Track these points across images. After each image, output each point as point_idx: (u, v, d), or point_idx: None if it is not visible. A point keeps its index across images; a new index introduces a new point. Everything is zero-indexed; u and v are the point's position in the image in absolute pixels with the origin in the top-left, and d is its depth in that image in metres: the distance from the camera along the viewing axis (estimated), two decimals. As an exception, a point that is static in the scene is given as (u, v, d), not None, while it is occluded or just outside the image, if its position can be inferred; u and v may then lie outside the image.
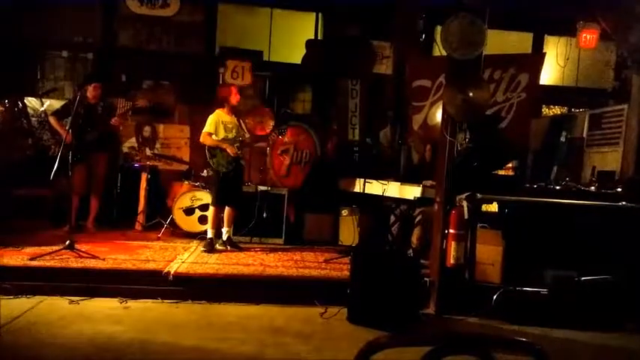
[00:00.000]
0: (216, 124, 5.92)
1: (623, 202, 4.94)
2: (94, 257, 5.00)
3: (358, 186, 5.90)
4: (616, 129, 6.95)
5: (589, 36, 7.80)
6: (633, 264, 4.74)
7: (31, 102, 7.56)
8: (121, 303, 4.49)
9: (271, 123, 7.48)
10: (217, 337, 3.92)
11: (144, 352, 3.61)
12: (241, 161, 6.07)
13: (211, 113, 6.01)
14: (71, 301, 4.41)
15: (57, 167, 4.95)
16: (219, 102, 6.03)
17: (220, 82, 7.66)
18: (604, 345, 4.31)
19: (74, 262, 4.87)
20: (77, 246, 5.10)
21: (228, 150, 5.83)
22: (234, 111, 6.05)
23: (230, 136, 5.92)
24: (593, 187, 5.69)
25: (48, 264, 4.78)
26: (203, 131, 5.93)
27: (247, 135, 6.10)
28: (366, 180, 5.81)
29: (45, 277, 4.63)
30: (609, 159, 6.94)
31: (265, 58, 8.23)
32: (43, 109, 7.49)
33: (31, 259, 4.83)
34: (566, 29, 8.27)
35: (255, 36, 8.29)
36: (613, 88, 8.44)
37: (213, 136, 5.88)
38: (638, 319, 4.63)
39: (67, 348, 3.57)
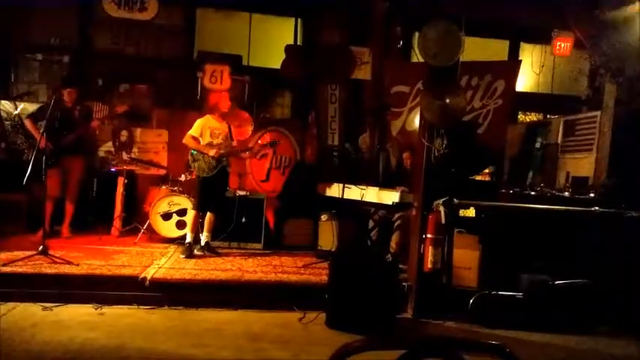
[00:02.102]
0: (203, 129, 5.89)
1: (596, 207, 5.05)
2: (68, 263, 4.92)
3: (337, 191, 5.91)
4: (589, 135, 7.10)
5: (563, 44, 7.97)
6: (606, 267, 4.83)
7: (5, 105, 7.44)
8: (96, 309, 4.42)
9: (250, 128, 7.47)
10: (194, 343, 3.89)
11: (119, 358, 3.56)
12: (227, 168, 6.02)
13: (189, 117, 5.99)
14: (45, 308, 4.32)
15: (30, 172, 4.87)
16: (209, 108, 6.00)
17: (199, 86, 7.63)
18: (577, 348, 4.38)
19: (48, 268, 4.78)
20: (51, 251, 5.01)
21: (209, 153, 5.80)
22: (225, 117, 6.03)
23: (215, 142, 5.89)
24: (567, 193, 5.81)
25: (21, 270, 4.69)
26: (188, 133, 5.90)
27: (234, 143, 6.07)
28: (345, 185, 5.83)
29: (18, 284, 4.53)
30: (583, 165, 7.08)
31: (244, 62, 8.23)
32: (16, 112, 7.38)
33: (4, 264, 4.73)
34: (542, 37, 8.43)
35: (235, 40, 8.29)
36: (587, 96, 8.61)
37: (201, 140, 5.85)
38: (611, 322, 4.72)
39: (40, 355, 3.50)
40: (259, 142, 6.16)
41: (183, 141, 5.92)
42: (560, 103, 8.97)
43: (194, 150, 5.86)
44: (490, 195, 5.60)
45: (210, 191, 5.92)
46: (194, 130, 5.89)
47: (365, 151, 6.84)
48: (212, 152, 5.82)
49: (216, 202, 6.01)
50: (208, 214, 6.00)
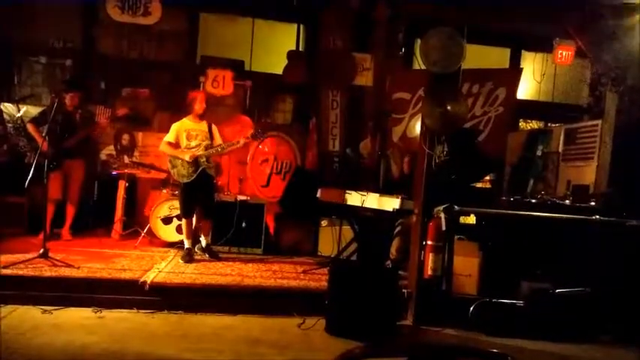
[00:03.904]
0: (178, 133, 5.78)
1: (597, 216, 5.03)
2: (68, 266, 4.93)
3: (338, 197, 5.91)
4: (590, 144, 7.08)
5: (565, 53, 7.97)
6: (607, 276, 4.82)
7: (7, 108, 7.46)
8: (95, 313, 4.42)
9: (251, 133, 7.47)
10: (193, 347, 3.89)
11: (118, 362, 3.56)
12: (208, 170, 5.83)
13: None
14: (44, 311, 4.33)
15: (32, 174, 4.88)
16: (185, 107, 5.94)
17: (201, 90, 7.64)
18: (578, 357, 4.36)
19: (48, 271, 4.79)
20: (52, 254, 5.02)
21: (185, 158, 5.68)
22: (204, 118, 5.91)
23: (192, 144, 5.76)
24: (567, 201, 5.79)
25: (21, 272, 4.69)
26: (163, 139, 5.83)
27: (218, 143, 5.92)
28: (346, 191, 5.82)
29: (18, 286, 4.53)
30: (584, 173, 7.06)
31: (246, 67, 8.24)
32: (19, 115, 7.40)
33: (4, 267, 4.72)
34: (543, 45, 8.43)
35: (237, 46, 8.30)
36: (588, 104, 8.60)
37: (180, 144, 5.78)
38: (612, 331, 4.70)
39: (39, 358, 3.50)
40: (239, 140, 5.94)
41: (160, 148, 5.85)
42: (561, 112, 8.98)
43: (171, 156, 5.77)
44: (491, 202, 5.58)
45: (196, 196, 5.82)
46: (169, 136, 5.78)
47: (366, 157, 6.85)
48: (187, 157, 5.69)
49: (205, 206, 5.93)
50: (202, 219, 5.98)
